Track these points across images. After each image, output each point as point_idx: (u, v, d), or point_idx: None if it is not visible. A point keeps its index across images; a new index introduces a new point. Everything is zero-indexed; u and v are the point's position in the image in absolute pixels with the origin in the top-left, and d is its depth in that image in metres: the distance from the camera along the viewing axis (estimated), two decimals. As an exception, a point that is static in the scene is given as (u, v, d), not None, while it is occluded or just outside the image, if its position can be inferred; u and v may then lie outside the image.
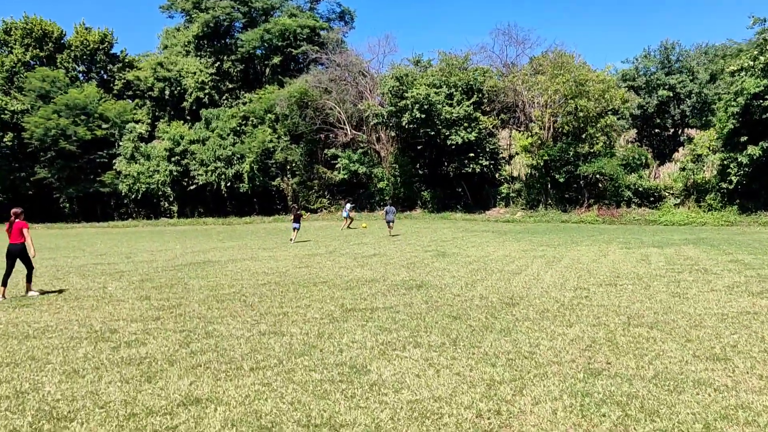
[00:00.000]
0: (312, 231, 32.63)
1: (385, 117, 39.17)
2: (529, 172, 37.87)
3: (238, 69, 50.04)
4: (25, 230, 11.85)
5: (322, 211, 43.52)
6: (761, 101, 29.32)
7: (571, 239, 23.71)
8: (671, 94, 45.40)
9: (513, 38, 45.83)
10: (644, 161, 35.88)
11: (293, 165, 43.33)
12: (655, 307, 9.97)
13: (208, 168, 43.09)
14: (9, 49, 51.43)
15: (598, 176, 35.11)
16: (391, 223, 27.77)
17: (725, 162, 31.45)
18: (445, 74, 38.30)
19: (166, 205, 47.65)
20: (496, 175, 40.77)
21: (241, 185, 43.09)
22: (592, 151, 34.96)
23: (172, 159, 44.86)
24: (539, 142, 36.70)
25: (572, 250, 19.43)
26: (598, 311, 9.68)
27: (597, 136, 34.88)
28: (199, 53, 50.37)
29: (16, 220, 11.78)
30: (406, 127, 37.26)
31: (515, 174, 41.31)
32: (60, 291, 12.89)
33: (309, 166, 43.37)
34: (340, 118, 41.94)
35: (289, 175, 44.09)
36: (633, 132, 48.10)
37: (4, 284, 12.03)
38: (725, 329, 8.32)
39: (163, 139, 46.00)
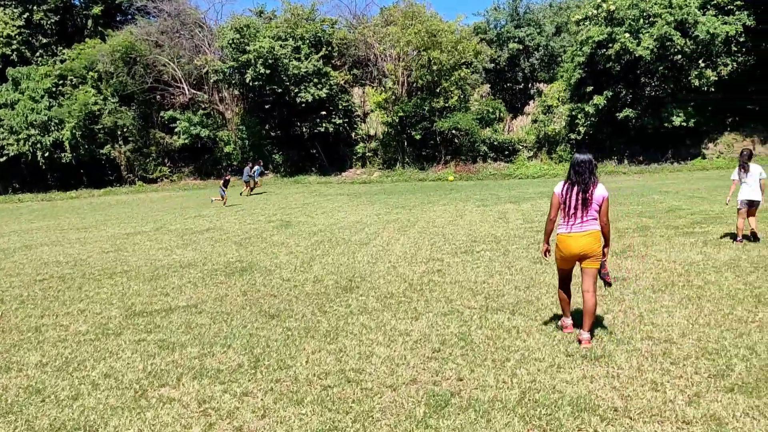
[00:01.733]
0: (148, 203, 28.78)
1: (227, 73, 35.38)
2: (385, 129, 36.25)
3: (53, 21, 43.03)
4: None
5: (163, 180, 39.01)
6: (605, 50, 29.65)
7: (428, 199, 22.33)
8: (521, 47, 45.77)
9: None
10: (498, 115, 35.60)
11: (125, 130, 38.18)
12: (516, 279, 8.39)
13: (20, 136, 36.62)
14: None
15: (454, 132, 34.28)
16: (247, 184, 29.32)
17: (573, 113, 31.76)
18: (291, 26, 35.12)
19: (-31, 181, 40.42)
20: (353, 135, 38.72)
21: (63, 155, 37.26)
22: (447, 105, 33.93)
23: (-28, 127, 37.70)
24: (393, 97, 35.05)
25: (428, 212, 17.92)
26: (451, 291, 7.91)
27: (451, 90, 33.84)
28: (2, 3, 42.62)
29: None
30: (251, 84, 33.80)
31: (372, 132, 39.51)
32: None
33: (144, 131, 38.42)
34: (176, 76, 37.34)
35: (120, 142, 38.90)
36: (487, 87, 48.21)
37: None
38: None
39: (-41, 105, 38.54)
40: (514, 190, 24.34)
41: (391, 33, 33.29)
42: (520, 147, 34.11)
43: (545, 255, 6.01)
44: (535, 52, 46.25)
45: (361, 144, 37.21)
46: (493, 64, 47.63)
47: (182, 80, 37.50)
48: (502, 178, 32.02)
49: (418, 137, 34.11)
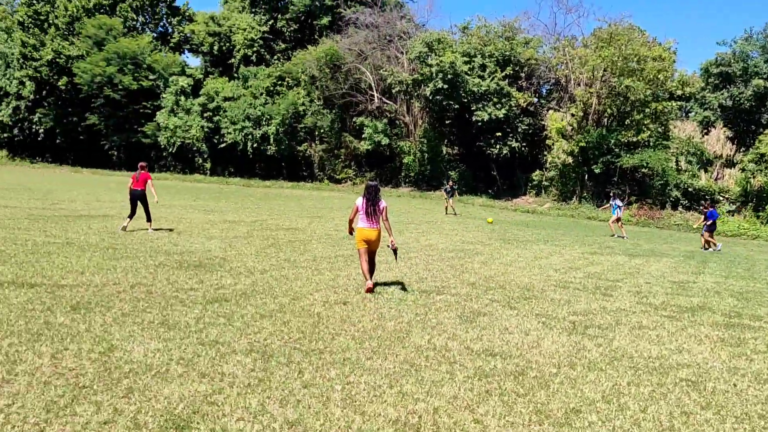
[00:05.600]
0: (314, 201, 30.13)
1: (409, 86, 35.83)
2: (565, 159, 33.13)
3: (292, 29, 48.10)
4: (149, 181, 14.27)
5: (347, 182, 40.99)
6: None
7: (558, 239, 19.67)
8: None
9: (563, 4, 40.20)
10: (702, 159, 30.19)
11: (321, 131, 41.05)
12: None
13: (236, 127, 41.81)
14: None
15: (644, 170, 29.96)
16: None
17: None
18: (483, 42, 34.12)
19: (200, 161, 47.18)
20: (541, 160, 36.14)
21: (268, 147, 41.51)
22: (637, 140, 29.79)
23: (205, 114, 43.99)
24: (577, 125, 31.89)
25: (524, 250, 15.61)
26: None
27: (645, 123, 29.61)
28: (254, 9, 48.94)
29: (143, 172, 14.16)
30: (432, 98, 33.72)
31: (560, 160, 36.43)
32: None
33: (338, 133, 40.85)
34: (371, 84, 38.87)
35: (317, 141, 41.92)
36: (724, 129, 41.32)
37: (130, 218, 14.09)
38: None
39: (201, 95, 45.27)
40: (655, 243, 20.20)
41: (579, 55, 30.34)
42: (721, 198, 28.49)
43: (350, 233, 9.26)
44: (790, 93, 38.35)
45: (538, 171, 34.65)
46: (732, 102, 40.85)
47: (374, 88, 38.95)
48: (685, 231, 26.98)
49: (597, 171, 30.59)
